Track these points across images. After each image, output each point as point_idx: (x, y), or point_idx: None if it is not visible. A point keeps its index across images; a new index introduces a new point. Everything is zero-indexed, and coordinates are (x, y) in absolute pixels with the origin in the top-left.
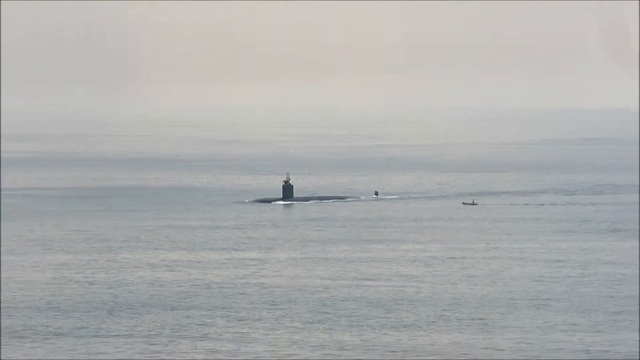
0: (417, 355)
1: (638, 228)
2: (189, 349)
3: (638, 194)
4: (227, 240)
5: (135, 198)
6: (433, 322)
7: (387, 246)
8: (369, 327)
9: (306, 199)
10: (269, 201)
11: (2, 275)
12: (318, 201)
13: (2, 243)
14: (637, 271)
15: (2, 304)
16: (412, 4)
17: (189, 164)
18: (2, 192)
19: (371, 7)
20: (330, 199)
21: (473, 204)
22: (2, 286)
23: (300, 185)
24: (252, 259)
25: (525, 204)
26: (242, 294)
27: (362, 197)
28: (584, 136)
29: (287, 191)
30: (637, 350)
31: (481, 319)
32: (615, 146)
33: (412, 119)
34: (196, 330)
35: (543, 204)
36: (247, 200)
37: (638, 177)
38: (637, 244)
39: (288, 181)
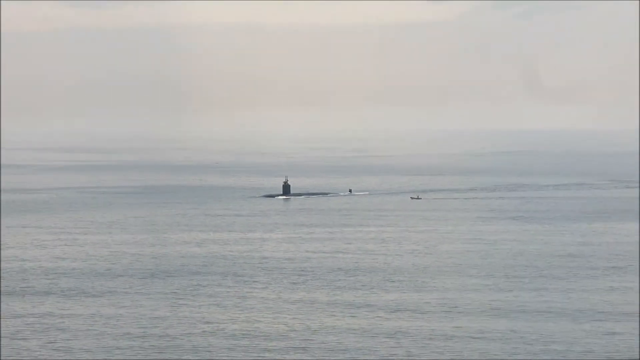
0: (370, 309)
1: (536, 216)
2: (207, 302)
3: (538, 191)
4: (241, 224)
5: (183, 193)
6: (384, 283)
7: (355, 228)
8: (337, 287)
9: (299, 195)
10: (272, 196)
11: (86, 247)
12: (308, 196)
13: (82, 225)
14: (533, 247)
15: (83, 268)
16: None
17: (224, 169)
18: (91, 191)
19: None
20: (317, 195)
21: (418, 198)
22: (83, 254)
23: (295, 184)
24: (258, 238)
25: (455, 198)
26: (249, 262)
27: (340, 193)
28: (503, 150)
29: (286, 189)
30: (529, 303)
31: (418, 281)
32: (525, 156)
33: (387, 138)
34: (213, 288)
35: (468, 198)
36: (257, 195)
37: (538, 179)
38: (535, 227)
39: (287, 182)
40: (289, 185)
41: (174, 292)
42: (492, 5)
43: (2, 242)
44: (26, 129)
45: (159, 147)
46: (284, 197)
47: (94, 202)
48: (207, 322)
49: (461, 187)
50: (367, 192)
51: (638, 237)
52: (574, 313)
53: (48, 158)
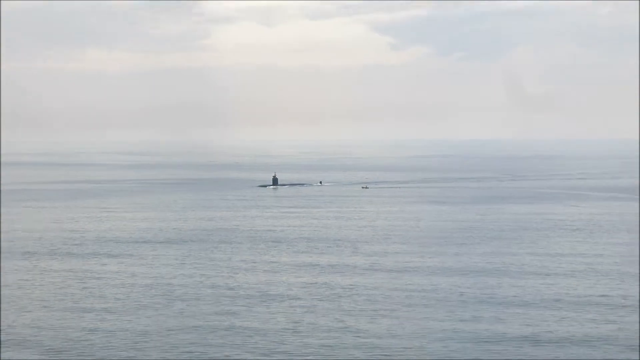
0: (320, 268)
1: (448, 200)
2: (210, 264)
3: (452, 182)
4: (243, 205)
5: (208, 184)
6: (333, 247)
7: (321, 208)
8: (299, 251)
9: (284, 185)
10: (265, 186)
11: (129, 222)
12: (290, 186)
13: (130, 206)
14: (444, 222)
15: (124, 236)
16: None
17: (239, 167)
18: (145, 182)
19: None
20: (296, 185)
21: (366, 187)
22: (125, 226)
23: (282, 177)
24: (254, 215)
25: (393, 188)
26: (246, 231)
27: (313, 184)
28: (440, 154)
29: (275, 181)
30: (436, 262)
31: (356, 246)
32: (454, 159)
33: (361, 145)
34: (218, 254)
35: (402, 188)
36: (254, 185)
37: (454, 174)
38: (446, 208)
39: (275, 176)
40: (277, 178)
41: (186, 258)
42: (439, 52)
43: (77, 217)
44: (112, 138)
45: (199, 152)
46: (273, 186)
47: (144, 189)
48: (211, 275)
49: (399, 180)
50: (332, 183)
51: (516, 215)
52: (464, 270)
53: (121, 159)
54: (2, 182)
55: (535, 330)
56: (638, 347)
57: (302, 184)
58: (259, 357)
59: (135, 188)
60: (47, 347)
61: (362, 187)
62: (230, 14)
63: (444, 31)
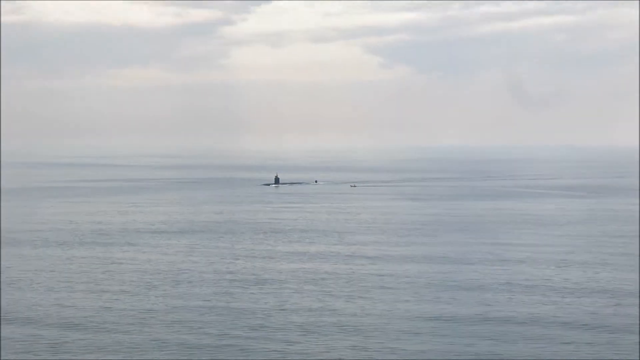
0: (309, 255)
1: (422, 197)
2: (215, 251)
3: (427, 182)
4: (250, 200)
5: (222, 182)
6: (319, 237)
7: (314, 204)
8: (292, 240)
9: (284, 183)
10: (268, 184)
11: (150, 214)
12: (289, 184)
13: (152, 201)
14: (417, 216)
15: (142, 227)
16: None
17: (248, 167)
18: (168, 181)
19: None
20: (295, 184)
21: (354, 186)
22: (146, 217)
23: (283, 177)
24: (258, 209)
25: (377, 186)
26: (251, 222)
27: (310, 183)
28: (421, 158)
29: (276, 180)
30: (406, 249)
31: (341, 236)
32: (432, 163)
33: (354, 151)
34: (222, 242)
35: (385, 186)
36: (259, 184)
37: (430, 174)
38: (420, 204)
39: (277, 175)
40: (279, 178)
41: (196, 245)
42: (420, 71)
43: (108, 210)
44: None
45: (219, 155)
46: (275, 185)
47: (169, 187)
48: (215, 261)
49: (383, 179)
50: (326, 182)
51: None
52: (430, 258)
53: (154, 161)
54: (50, 180)
55: (487, 310)
56: (575, 324)
57: (300, 183)
58: (248, 333)
59: (161, 186)
60: (67, 321)
61: (351, 186)
62: (246, 37)
63: (425, 54)
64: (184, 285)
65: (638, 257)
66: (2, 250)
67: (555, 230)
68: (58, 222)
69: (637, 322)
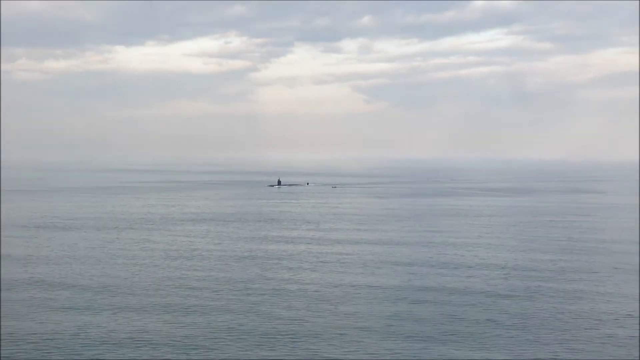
0: (295, 238)
1: (387, 195)
2: (225, 236)
3: (391, 184)
4: (257, 197)
5: (240, 184)
6: (305, 225)
7: (304, 200)
8: (286, 227)
9: (284, 185)
10: (272, 185)
11: (169, 208)
12: (288, 186)
13: (182, 199)
14: (381, 210)
15: (160, 219)
16: (344, 125)
17: (251, 174)
18: (203, 183)
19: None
20: (292, 185)
21: (335, 187)
22: (178, 211)
23: (284, 180)
24: (261, 204)
25: (353, 186)
26: (253, 216)
27: (303, 185)
28: (390, 166)
29: (279, 182)
30: (370, 237)
31: (319, 225)
32: (397, 170)
33: (345, 162)
34: (231, 229)
35: (360, 187)
36: (266, 185)
37: (394, 179)
38: (385, 200)
39: (279, 179)
40: (280, 181)
41: (212, 229)
42: (393, 105)
43: (151, 204)
44: (192, 156)
45: (246, 164)
46: (278, 186)
47: (201, 187)
48: (223, 244)
49: (358, 182)
50: (316, 184)
51: (430, 207)
52: (386, 241)
53: (197, 169)
54: (116, 183)
55: (410, 280)
56: (474, 291)
57: (297, 184)
58: (234, 292)
59: (196, 186)
60: (102, 285)
61: (332, 187)
62: (267, 80)
63: (396, 93)
64: (195, 261)
65: (527, 241)
66: (78, 233)
67: (475, 220)
68: (117, 212)
69: (522, 289)
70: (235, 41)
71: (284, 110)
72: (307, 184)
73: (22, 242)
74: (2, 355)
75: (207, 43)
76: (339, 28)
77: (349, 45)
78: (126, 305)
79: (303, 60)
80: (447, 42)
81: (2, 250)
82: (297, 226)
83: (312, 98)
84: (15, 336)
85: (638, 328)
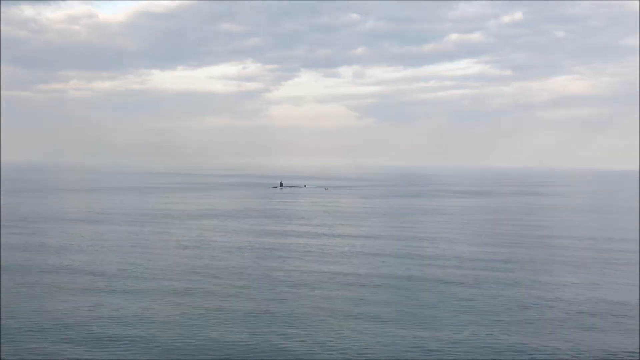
0: (289, 232)
1: (370, 195)
2: (232, 229)
3: (372, 187)
4: (261, 197)
5: (248, 186)
6: (299, 220)
7: (301, 200)
8: (283, 222)
9: (286, 186)
10: (275, 187)
11: (186, 205)
12: (289, 187)
13: (196, 198)
14: (362, 208)
15: (186, 214)
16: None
17: (261, 177)
18: (218, 184)
19: (330, 138)
20: (292, 187)
21: (327, 189)
22: (191, 208)
23: (285, 182)
24: (264, 202)
25: (342, 188)
26: (257, 213)
27: (301, 187)
28: (378, 172)
29: (281, 184)
30: (350, 230)
31: (310, 220)
32: (381, 175)
33: (338, 168)
34: (236, 223)
35: (348, 189)
36: (269, 187)
37: (377, 183)
38: (364, 200)
39: (281, 182)
40: (282, 183)
41: (221, 223)
42: (381, 120)
43: (166, 201)
44: (214, 163)
45: (258, 169)
46: (280, 187)
47: (215, 188)
48: (228, 235)
49: (347, 185)
50: (312, 186)
51: (404, 205)
52: (364, 234)
53: (216, 173)
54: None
55: (379, 269)
56: (429, 279)
57: (296, 186)
58: (229, 277)
59: (212, 187)
60: (121, 270)
61: (324, 189)
62: (278, 100)
63: (384, 111)
64: (202, 251)
65: (481, 236)
66: (108, 225)
67: (439, 218)
68: (144, 208)
69: (471, 277)
70: (251, 67)
71: (291, 125)
72: (305, 186)
73: (57, 233)
74: (24, 326)
75: (228, 68)
76: (337, 57)
77: (346, 71)
78: (136, 289)
79: (307, 83)
80: (427, 69)
81: (43, 240)
82: (291, 221)
83: (314, 114)
84: (38, 312)
85: (564, 311)
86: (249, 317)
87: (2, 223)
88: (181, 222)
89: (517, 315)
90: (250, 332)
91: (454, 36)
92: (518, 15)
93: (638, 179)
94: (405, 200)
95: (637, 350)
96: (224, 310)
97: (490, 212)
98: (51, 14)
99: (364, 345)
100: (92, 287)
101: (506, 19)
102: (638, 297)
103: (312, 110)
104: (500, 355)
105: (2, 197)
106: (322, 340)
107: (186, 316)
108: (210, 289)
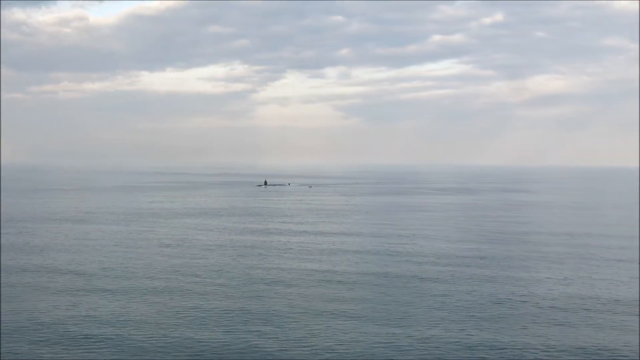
0: (271, 229)
1: (354, 193)
2: (215, 227)
3: (358, 184)
4: (245, 195)
5: (233, 184)
6: (282, 217)
7: (285, 198)
8: (266, 220)
9: (270, 185)
10: (260, 185)
11: (173, 203)
12: (273, 186)
13: (184, 197)
14: (346, 205)
15: (169, 212)
16: (329, 136)
17: (247, 176)
18: (204, 184)
19: (320, 138)
20: (276, 185)
21: (310, 187)
22: (176, 207)
23: (270, 181)
24: (248, 201)
25: (327, 186)
26: (241, 211)
27: (286, 185)
28: (367, 170)
29: (265, 183)
30: (331, 227)
31: (294, 217)
32: (369, 173)
33: (325, 166)
34: (220, 221)
35: (332, 187)
36: (254, 185)
37: (365, 180)
38: (353, 198)
39: (266, 180)
40: (267, 181)
41: (204, 221)
42: (366, 121)
43: (154, 200)
44: (203, 162)
45: (244, 168)
46: (264, 186)
47: (202, 187)
48: (211, 234)
49: (331, 183)
50: (296, 184)
51: (389, 204)
52: (346, 232)
53: (202, 171)
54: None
55: (357, 266)
56: (405, 276)
57: (280, 184)
58: (208, 274)
59: (199, 185)
60: (106, 265)
61: (308, 186)
62: (265, 100)
63: (368, 110)
64: (184, 249)
65: (459, 232)
66: (102, 226)
67: (420, 215)
68: (130, 207)
69: (447, 273)
70: (239, 68)
71: (278, 125)
72: (289, 184)
73: (42, 233)
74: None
75: (216, 69)
76: (322, 58)
77: (331, 72)
78: (115, 288)
79: (293, 84)
80: (410, 70)
81: (28, 240)
82: (273, 219)
83: (301, 115)
84: (15, 312)
85: (536, 307)
86: (225, 315)
87: None
88: (166, 220)
89: (489, 310)
90: (225, 330)
91: (436, 37)
92: (499, 16)
93: (619, 176)
94: (387, 198)
95: (609, 346)
96: (201, 308)
97: (469, 209)
98: (42, 17)
99: (335, 343)
100: (71, 287)
101: (487, 20)
102: (611, 292)
103: (298, 111)
104: (472, 351)
105: None
106: (295, 337)
107: (162, 314)
108: (188, 287)
